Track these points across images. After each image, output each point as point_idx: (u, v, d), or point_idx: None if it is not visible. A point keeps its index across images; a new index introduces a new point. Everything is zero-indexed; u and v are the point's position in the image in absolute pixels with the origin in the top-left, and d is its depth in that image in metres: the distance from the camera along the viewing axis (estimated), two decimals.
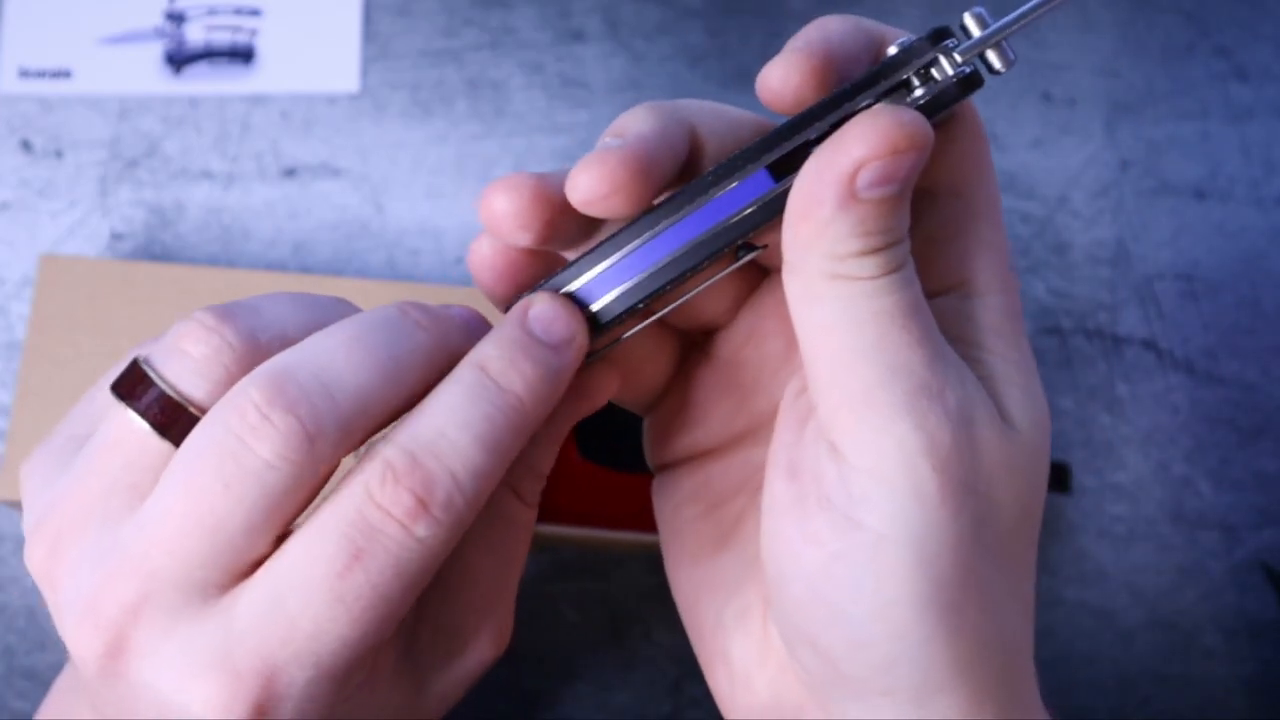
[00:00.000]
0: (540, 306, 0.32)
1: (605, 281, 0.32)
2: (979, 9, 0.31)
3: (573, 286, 0.32)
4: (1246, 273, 0.66)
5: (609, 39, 0.68)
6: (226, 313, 0.31)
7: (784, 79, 0.31)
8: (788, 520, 0.31)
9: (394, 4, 0.68)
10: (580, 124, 0.67)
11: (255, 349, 0.31)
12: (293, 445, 0.29)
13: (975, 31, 0.31)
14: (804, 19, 0.32)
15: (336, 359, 0.30)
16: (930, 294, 0.32)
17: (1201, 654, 0.61)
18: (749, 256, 0.33)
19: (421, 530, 0.29)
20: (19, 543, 0.60)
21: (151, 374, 0.30)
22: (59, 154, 0.66)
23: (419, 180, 0.66)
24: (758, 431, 0.36)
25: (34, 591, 0.60)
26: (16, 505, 0.57)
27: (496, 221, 0.32)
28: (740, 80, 0.67)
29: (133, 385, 0.31)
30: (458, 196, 0.65)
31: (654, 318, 0.34)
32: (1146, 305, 0.65)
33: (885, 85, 0.31)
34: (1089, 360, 0.64)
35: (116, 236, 0.65)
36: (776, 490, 0.32)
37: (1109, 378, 0.64)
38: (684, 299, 0.33)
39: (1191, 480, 0.63)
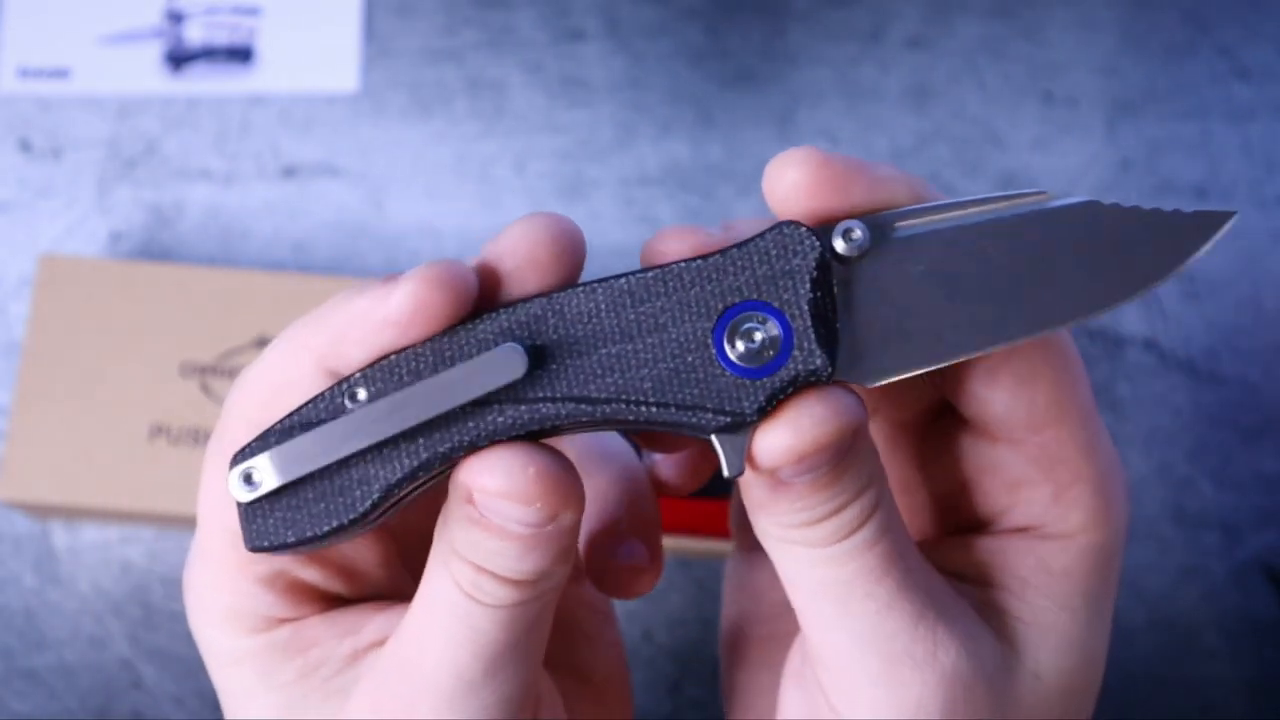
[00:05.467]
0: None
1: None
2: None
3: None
4: (1248, 272, 0.66)
5: (609, 38, 0.68)
6: None
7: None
8: None
9: (394, 3, 0.68)
10: (580, 123, 0.66)
11: None
12: None
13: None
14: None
15: None
16: (980, 529, 0.30)
17: (1203, 654, 0.61)
18: None
19: None
20: (18, 543, 0.60)
21: None
22: (57, 154, 0.66)
23: (418, 180, 0.65)
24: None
25: (33, 592, 0.60)
26: (17, 505, 0.57)
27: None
28: (740, 80, 0.67)
29: None
30: (457, 196, 0.65)
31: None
32: (1148, 305, 0.65)
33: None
34: (1090, 360, 0.64)
35: (115, 236, 0.64)
36: (790, 697, 0.31)
37: (1110, 378, 0.64)
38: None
39: (1193, 480, 0.63)
